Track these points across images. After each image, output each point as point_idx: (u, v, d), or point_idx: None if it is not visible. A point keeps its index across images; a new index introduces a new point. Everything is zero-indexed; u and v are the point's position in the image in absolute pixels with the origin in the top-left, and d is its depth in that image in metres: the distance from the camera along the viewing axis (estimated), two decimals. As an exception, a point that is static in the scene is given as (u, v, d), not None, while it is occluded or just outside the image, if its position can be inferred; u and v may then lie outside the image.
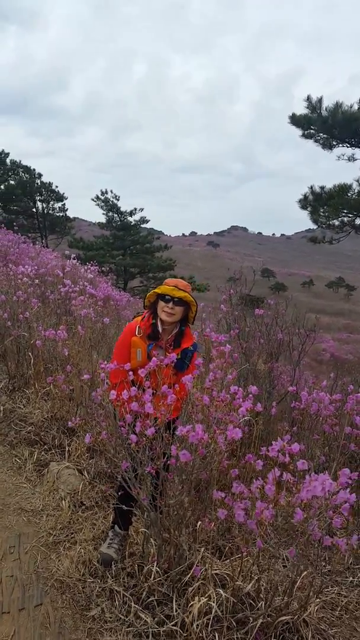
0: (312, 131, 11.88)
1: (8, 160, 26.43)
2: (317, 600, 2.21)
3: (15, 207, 26.83)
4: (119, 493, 2.44)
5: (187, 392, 2.52)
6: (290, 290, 54.88)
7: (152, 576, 2.19)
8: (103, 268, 23.70)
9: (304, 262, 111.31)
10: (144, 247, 25.07)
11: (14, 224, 23.76)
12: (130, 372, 2.36)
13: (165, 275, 25.18)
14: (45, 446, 3.52)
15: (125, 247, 24.95)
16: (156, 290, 2.59)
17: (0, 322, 4.22)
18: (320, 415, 3.19)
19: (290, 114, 11.95)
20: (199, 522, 2.17)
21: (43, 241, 28.17)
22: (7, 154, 26.21)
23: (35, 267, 5.88)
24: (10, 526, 2.71)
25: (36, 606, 2.15)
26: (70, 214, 30.00)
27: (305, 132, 11.97)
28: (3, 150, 26.06)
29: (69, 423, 2.75)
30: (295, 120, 11.95)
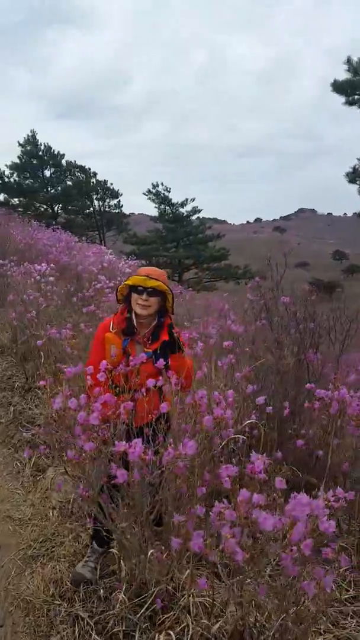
0: (357, 96, 10.92)
1: (64, 162, 27.16)
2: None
3: (72, 208, 27.59)
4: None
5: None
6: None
7: (118, 604, 1.97)
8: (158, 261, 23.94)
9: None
10: (197, 237, 24.82)
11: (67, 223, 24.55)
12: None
13: (219, 266, 24.82)
14: (47, 450, 3.40)
15: (178, 238, 24.84)
16: (127, 282, 2.38)
17: (18, 324, 4.18)
18: (344, 415, 2.81)
19: (332, 81, 11.06)
20: (150, 552, 1.91)
21: (101, 239, 28.84)
22: (63, 155, 26.87)
23: (51, 265, 5.81)
24: (-6, 536, 2.61)
25: (-4, 629, 2.01)
26: (135, 209, 30.42)
27: (349, 98, 11.01)
28: (59, 152, 26.76)
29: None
30: (337, 86, 11.04)
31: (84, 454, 1.77)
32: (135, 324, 2.35)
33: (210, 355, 3.55)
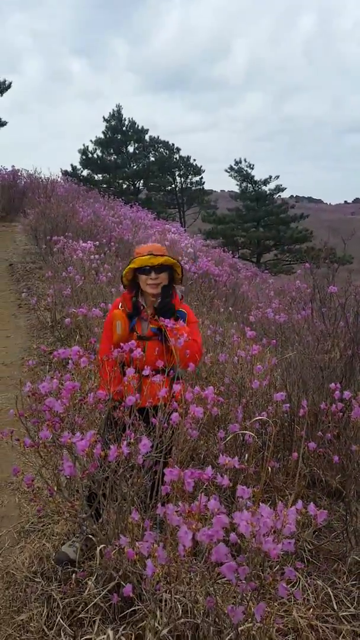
0: None
1: (147, 137, 27.27)
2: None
3: (153, 184, 27.77)
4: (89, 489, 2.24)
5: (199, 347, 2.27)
6: None
7: (87, 590, 1.95)
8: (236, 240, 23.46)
9: None
10: (279, 217, 23.89)
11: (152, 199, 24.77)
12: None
13: (300, 248, 23.77)
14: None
15: (259, 218, 24.09)
16: (131, 265, 2.31)
17: (54, 300, 4.27)
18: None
19: None
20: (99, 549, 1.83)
21: (180, 216, 28.85)
22: (147, 131, 26.94)
23: (96, 243, 5.83)
24: (1, 505, 2.71)
25: (-24, 597, 2.09)
26: (224, 186, 30.05)
27: None
28: (143, 127, 26.86)
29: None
30: None
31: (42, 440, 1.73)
32: (144, 304, 2.35)
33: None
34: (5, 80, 13.30)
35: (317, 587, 2.12)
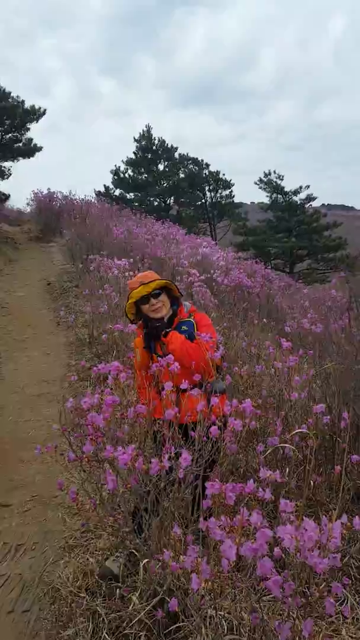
0: None
1: (177, 155, 27.71)
2: None
3: (183, 200, 28.07)
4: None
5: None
6: None
7: (132, 605, 1.95)
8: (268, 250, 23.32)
9: None
10: (311, 226, 23.60)
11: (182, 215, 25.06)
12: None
13: (335, 256, 23.39)
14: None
15: (290, 228, 23.88)
16: (129, 301, 2.41)
17: (91, 316, 4.37)
18: None
19: None
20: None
21: (211, 230, 28.99)
22: (176, 149, 27.40)
23: (130, 260, 5.92)
24: (45, 521, 2.76)
25: (24, 612, 2.13)
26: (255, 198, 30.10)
27: None
28: (172, 145, 27.33)
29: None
30: None
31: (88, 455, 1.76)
32: (157, 332, 2.38)
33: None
34: (40, 107, 13.85)
35: (366, 606, 2.04)
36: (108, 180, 28.11)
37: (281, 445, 2.47)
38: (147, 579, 1.97)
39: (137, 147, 26.62)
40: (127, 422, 1.83)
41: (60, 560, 2.42)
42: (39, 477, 3.21)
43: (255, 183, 25.26)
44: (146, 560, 1.87)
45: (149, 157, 26.51)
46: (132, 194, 26.93)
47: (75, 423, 1.90)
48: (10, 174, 14.22)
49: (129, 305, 2.41)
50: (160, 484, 1.73)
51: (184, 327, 2.36)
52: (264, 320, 5.76)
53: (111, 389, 2.10)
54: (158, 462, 1.66)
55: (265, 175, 24.94)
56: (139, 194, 26.66)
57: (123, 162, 26.64)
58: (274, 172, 24.69)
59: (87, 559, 2.35)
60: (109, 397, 1.76)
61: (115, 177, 26.48)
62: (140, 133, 26.62)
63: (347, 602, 2.05)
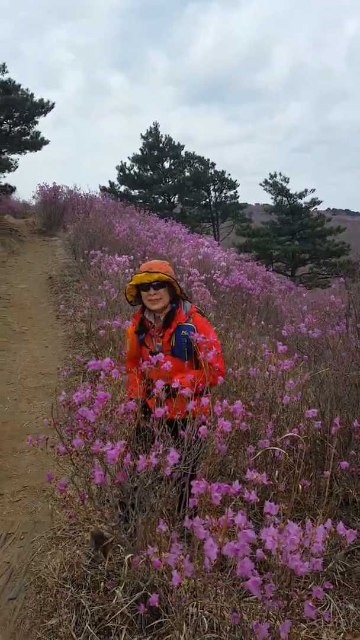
0: None
1: (183, 153, 27.70)
2: None
3: (188, 199, 28.06)
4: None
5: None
6: None
7: (115, 599, 1.98)
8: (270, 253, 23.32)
9: None
10: (315, 230, 23.61)
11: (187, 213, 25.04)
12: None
13: (337, 261, 23.38)
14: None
15: (294, 231, 23.89)
16: (131, 282, 2.44)
17: (90, 312, 4.39)
18: None
19: None
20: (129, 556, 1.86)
21: (214, 230, 28.97)
22: (182, 147, 27.39)
23: (131, 257, 5.94)
24: (35, 511, 2.79)
25: (9, 600, 2.15)
26: (260, 200, 30.06)
27: None
28: (179, 143, 27.32)
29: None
30: None
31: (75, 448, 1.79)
32: (152, 320, 2.44)
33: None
34: (49, 101, 13.82)
35: (349, 612, 2.07)
36: (113, 176, 28.10)
37: (271, 447, 2.49)
38: (131, 574, 2.00)
39: (143, 143, 26.62)
40: (115, 419, 1.85)
41: (47, 551, 2.44)
42: (32, 469, 3.24)
43: (261, 184, 25.27)
44: (130, 555, 1.89)
45: (155, 154, 26.50)
46: (136, 190, 26.93)
47: (66, 417, 1.92)
48: (17, 167, 14.19)
49: (130, 287, 2.44)
50: (148, 480, 1.75)
51: (184, 332, 2.37)
52: (262, 322, 5.78)
53: (104, 384, 2.12)
54: (145, 459, 1.68)
55: (271, 177, 24.93)
56: (144, 191, 26.66)
57: (129, 159, 26.66)
58: (280, 174, 24.70)
59: (75, 552, 2.38)
60: (100, 393, 1.78)
61: (121, 174, 26.48)
62: (147, 130, 26.64)
63: (329, 607, 2.08)
